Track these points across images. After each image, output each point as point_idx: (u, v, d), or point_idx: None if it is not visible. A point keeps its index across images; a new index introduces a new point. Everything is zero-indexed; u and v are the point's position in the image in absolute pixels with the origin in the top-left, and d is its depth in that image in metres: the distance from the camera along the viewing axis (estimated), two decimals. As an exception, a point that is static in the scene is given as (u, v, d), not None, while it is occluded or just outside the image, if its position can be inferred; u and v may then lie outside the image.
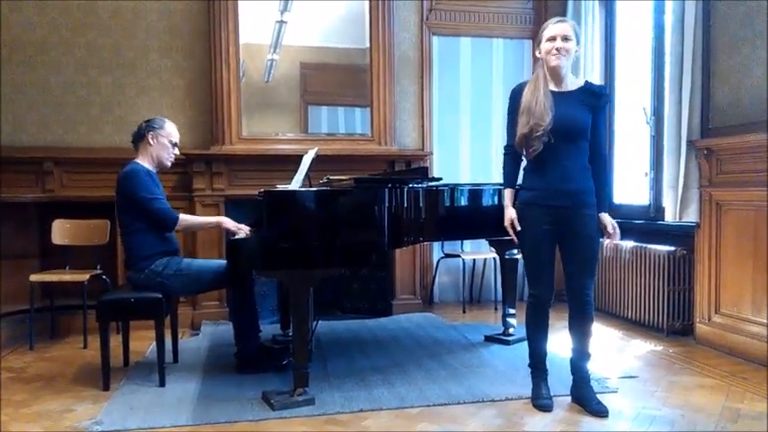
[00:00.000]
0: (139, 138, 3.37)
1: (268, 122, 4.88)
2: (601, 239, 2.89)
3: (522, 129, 2.72)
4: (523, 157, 2.87)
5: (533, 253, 2.83)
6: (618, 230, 2.80)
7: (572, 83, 2.80)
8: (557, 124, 2.66)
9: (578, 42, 2.78)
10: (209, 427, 2.63)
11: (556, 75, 2.75)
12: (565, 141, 2.70)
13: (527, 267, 2.89)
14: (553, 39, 2.71)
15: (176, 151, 3.47)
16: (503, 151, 2.94)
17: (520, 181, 2.92)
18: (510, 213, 2.82)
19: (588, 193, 2.76)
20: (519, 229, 2.79)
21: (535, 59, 2.88)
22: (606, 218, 2.79)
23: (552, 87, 2.74)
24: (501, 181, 2.97)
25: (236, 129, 4.64)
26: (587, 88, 2.78)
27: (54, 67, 4.51)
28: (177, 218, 3.24)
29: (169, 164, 3.46)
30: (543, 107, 2.66)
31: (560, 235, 2.77)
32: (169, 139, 3.39)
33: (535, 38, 5.36)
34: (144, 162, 3.35)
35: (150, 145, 3.35)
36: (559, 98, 2.71)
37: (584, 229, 2.75)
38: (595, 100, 2.77)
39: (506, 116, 2.89)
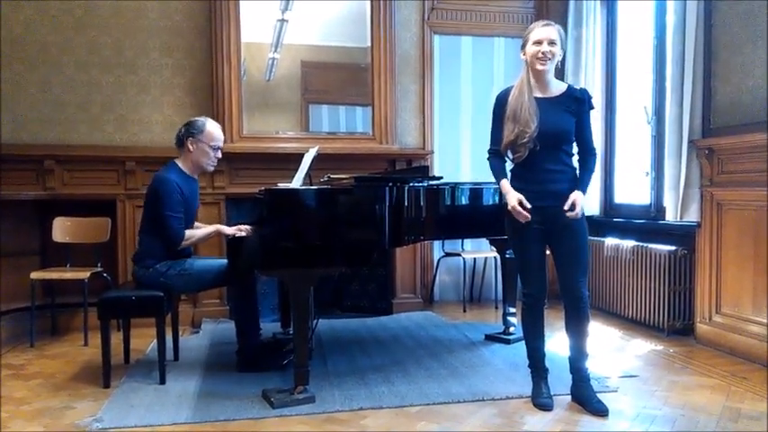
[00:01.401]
0: (180, 143, 3.31)
1: (269, 121, 4.89)
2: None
3: (508, 135, 2.73)
4: (508, 160, 2.88)
5: (523, 253, 2.85)
6: (578, 210, 2.70)
7: (555, 88, 2.81)
8: (541, 131, 2.68)
9: (563, 47, 2.78)
10: (210, 425, 2.63)
11: (540, 79, 2.77)
12: (549, 146, 2.72)
13: (519, 268, 2.91)
14: (539, 42, 2.72)
15: (218, 155, 3.36)
16: (486, 156, 2.92)
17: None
18: (515, 195, 2.74)
19: (572, 191, 2.76)
20: (529, 206, 2.71)
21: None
22: (574, 195, 2.71)
23: (536, 93, 2.75)
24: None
25: (237, 127, 4.64)
26: (570, 94, 2.80)
27: (55, 65, 4.52)
28: (181, 239, 3.22)
29: (211, 168, 3.39)
30: (528, 114, 2.68)
31: (549, 234, 2.79)
32: (210, 144, 3.29)
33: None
34: (183, 166, 3.31)
35: (190, 151, 3.29)
36: (544, 104, 2.73)
37: (571, 227, 2.75)
38: (578, 105, 2.78)
39: (491, 121, 2.89)
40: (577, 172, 2.83)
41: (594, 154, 2.86)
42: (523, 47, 2.80)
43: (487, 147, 2.91)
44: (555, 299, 3.09)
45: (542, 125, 2.68)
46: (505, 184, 2.82)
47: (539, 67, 2.73)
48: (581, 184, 2.79)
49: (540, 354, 2.89)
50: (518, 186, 2.80)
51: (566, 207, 2.71)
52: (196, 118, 3.38)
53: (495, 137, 2.86)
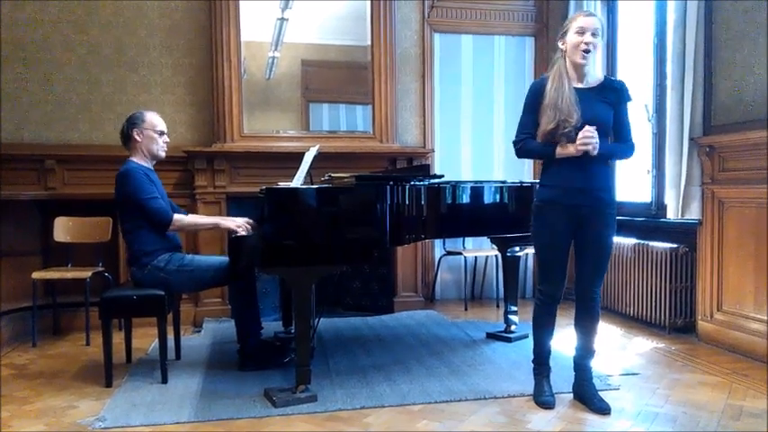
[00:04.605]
0: (126, 138, 3.35)
1: (269, 120, 4.88)
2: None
3: (547, 124, 2.65)
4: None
5: (549, 252, 2.78)
6: (587, 142, 2.57)
7: (593, 78, 2.76)
8: (583, 126, 2.61)
9: (602, 37, 2.74)
10: (212, 424, 2.63)
11: (578, 69, 2.71)
12: None
13: (540, 265, 2.85)
14: (582, 32, 2.65)
15: (166, 139, 3.42)
16: (516, 146, 2.82)
17: (533, 178, 2.89)
18: (575, 143, 2.61)
19: (607, 191, 2.74)
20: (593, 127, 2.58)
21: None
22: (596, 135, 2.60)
23: (574, 84, 2.69)
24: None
25: (237, 126, 4.65)
26: (607, 84, 2.75)
27: (55, 64, 4.51)
28: (171, 218, 3.23)
29: (163, 153, 3.42)
30: (570, 103, 2.61)
31: (577, 234, 2.75)
32: (154, 130, 3.35)
33: (537, 35, 5.39)
34: (138, 159, 3.33)
35: (138, 141, 3.32)
36: (582, 95, 2.66)
37: (601, 228, 2.72)
38: (616, 96, 2.73)
39: (523, 110, 2.80)
40: (614, 170, 2.77)
41: (632, 144, 2.78)
42: (563, 36, 2.73)
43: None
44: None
45: (584, 118, 2.61)
46: (560, 148, 2.66)
47: (579, 60, 2.66)
48: (604, 144, 2.67)
49: (546, 352, 2.88)
50: (551, 183, 2.74)
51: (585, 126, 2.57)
52: (135, 111, 3.43)
53: (527, 126, 2.77)
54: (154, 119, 3.38)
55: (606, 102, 2.71)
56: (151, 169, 3.38)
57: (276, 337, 3.93)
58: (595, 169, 2.70)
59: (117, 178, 3.27)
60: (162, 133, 3.39)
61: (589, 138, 2.58)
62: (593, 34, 2.66)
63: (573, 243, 2.79)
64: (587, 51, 2.66)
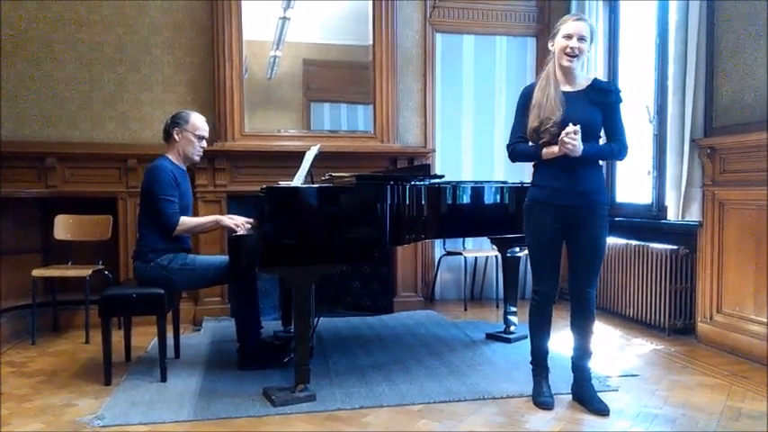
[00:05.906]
0: (167, 135, 3.39)
1: (270, 119, 4.88)
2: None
3: (532, 122, 2.69)
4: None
5: (540, 251, 2.80)
6: (566, 141, 2.57)
7: (581, 81, 2.78)
8: (567, 124, 2.62)
9: (591, 42, 2.76)
10: (211, 423, 2.64)
11: (567, 72, 2.74)
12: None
13: (533, 265, 2.86)
14: (569, 37, 2.68)
15: (204, 144, 3.46)
16: (508, 149, 2.87)
17: (528, 179, 2.90)
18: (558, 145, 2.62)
19: (598, 192, 2.75)
20: (573, 128, 2.58)
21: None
22: (579, 134, 2.59)
23: (562, 86, 2.72)
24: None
25: (238, 125, 4.65)
26: (595, 86, 2.76)
27: (57, 62, 4.52)
28: (176, 224, 3.25)
29: (197, 158, 3.47)
30: (554, 103, 2.64)
31: (568, 234, 2.76)
32: (195, 133, 3.38)
33: (539, 35, 5.39)
34: (172, 157, 3.38)
35: (176, 141, 3.37)
36: (569, 98, 2.69)
37: (593, 229, 2.73)
38: (605, 97, 2.74)
39: (515, 115, 2.85)
40: (604, 171, 2.78)
41: (623, 146, 2.76)
42: (553, 38, 2.76)
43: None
44: (558, 297, 3.08)
45: (567, 118, 2.62)
46: (546, 150, 2.69)
47: (565, 63, 2.69)
48: (590, 145, 2.66)
49: (543, 352, 2.89)
50: (542, 183, 2.77)
51: (567, 130, 2.57)
52: (181, 111, 3.48)
53: (517, 129, 2.82)
54: (197, 122, 3.41)
55: (593, 103, 2.72)
56: (182, 170, 3.42)
57: (276, 337, 3.93)
58: (584, 170, 2.72)
59: (145, 171, 3.34)
60: (201, 138, 3.42)
61: (570, 139, 2.58)
62: (581, 39, 2.68)
63: (566, 244, 2.81)
64: (572, 56, 2.68)
